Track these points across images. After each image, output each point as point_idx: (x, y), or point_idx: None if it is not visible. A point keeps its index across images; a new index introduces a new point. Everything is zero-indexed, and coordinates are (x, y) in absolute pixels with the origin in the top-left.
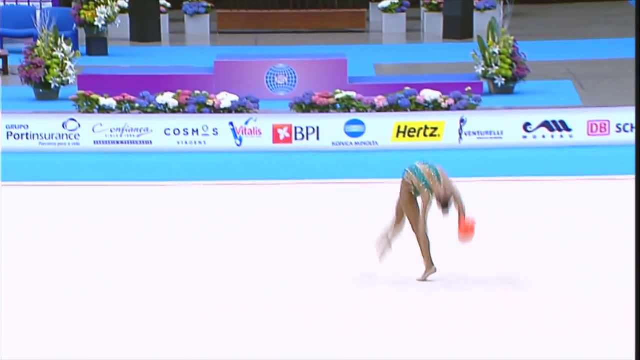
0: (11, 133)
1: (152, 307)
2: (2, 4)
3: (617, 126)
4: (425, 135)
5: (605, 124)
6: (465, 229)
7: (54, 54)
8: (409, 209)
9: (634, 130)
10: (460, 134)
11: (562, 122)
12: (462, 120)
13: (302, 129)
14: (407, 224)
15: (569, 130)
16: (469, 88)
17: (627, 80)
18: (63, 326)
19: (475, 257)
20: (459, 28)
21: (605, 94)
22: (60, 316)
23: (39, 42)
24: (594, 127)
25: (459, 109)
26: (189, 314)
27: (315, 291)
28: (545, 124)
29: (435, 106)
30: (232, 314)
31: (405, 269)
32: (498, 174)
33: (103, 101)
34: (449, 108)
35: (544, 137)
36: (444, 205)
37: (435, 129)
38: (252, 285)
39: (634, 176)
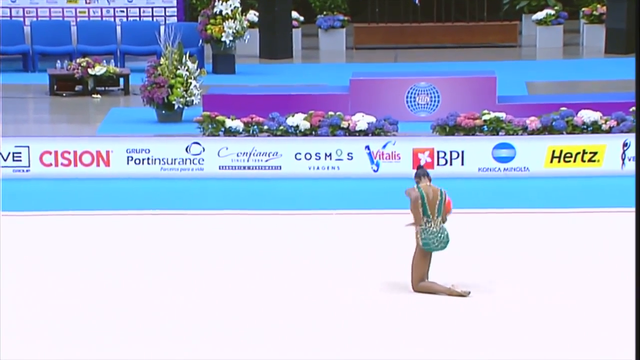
0: (131, 157)
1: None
2: (124, 19)
3: None
4: (582, 161)
5: None
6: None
7: (178, 72)
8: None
9: None
10: (623, 159)
11: None
12: (625, 144)
13: (445, 153)
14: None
15: None
16: (634, 108)
17: None
18: None
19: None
20: (623, 41)
21: None
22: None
23: (162, 60)
24: None
25: (621, 132)
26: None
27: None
28: None
29: (594, 128)
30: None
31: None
32: None
33: (229, 123)
34: (610, 130)
35: None
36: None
37: (595, 153)
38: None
39: None
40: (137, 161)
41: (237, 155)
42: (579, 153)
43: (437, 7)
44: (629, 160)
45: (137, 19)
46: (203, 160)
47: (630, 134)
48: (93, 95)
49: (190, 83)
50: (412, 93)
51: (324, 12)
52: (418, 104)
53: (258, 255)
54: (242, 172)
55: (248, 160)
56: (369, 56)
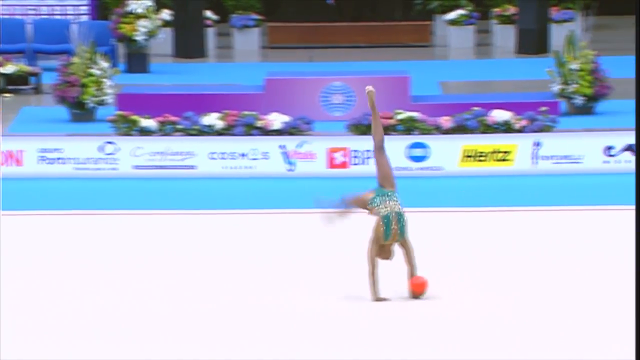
0: (44, 157)
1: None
2: (35, 17)
3: None
4: (495, 160)
5: None
6: (416, 287)
7: (91, 71)
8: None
9: None
10: (534, 159)
11: None
12: (536, 144)
13: (359, 152)
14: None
15: None
16: (545, 108)
17: None
18: None
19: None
20: (533, 42)
21: None
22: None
23: (74, 59)
24: None
25: (533, 131)
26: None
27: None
28: (629, 148)
29: (506, 128)
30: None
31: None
32: (577, 203)
33: (143, 122)
34: (522, 130)
35: (627, 162)
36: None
37: (507, 152)
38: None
39: None
40: (50, 161)
41: (151, 154)
42: (491, 152)
43: (351, 7)
44: (541, 159)
45: (49, 16)
46: (117, 159)
47: (542, 133)
48: (4, 95)
49: (103, 82)
50: (326, 93)
51: (238, 11)
52: (333, 104)
53: (172, 255)
54: (157, 171)
55: (162, 160)
56: (284, 56)
